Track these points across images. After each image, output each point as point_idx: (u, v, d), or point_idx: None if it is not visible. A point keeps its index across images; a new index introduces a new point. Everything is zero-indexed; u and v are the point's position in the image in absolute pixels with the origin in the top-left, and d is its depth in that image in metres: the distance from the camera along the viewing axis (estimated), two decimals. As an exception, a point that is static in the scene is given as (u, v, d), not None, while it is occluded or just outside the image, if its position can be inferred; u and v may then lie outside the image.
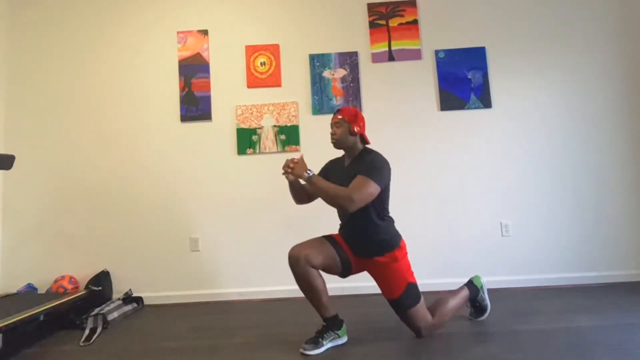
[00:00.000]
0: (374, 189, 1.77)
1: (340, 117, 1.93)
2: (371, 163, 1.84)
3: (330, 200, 1.76)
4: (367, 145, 1.99)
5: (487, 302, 2.12)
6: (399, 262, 1.88)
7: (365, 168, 1.82)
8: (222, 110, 3.06)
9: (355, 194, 1.73)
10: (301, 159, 1.88)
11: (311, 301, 1.86)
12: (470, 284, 2.10)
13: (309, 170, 1.83)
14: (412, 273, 1.92)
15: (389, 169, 1.87)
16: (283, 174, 1.91)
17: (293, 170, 1.85)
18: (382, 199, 1.88)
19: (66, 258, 2.94)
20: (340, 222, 2.02)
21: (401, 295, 1.86)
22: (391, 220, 1.95)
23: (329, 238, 1.95)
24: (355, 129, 1.91)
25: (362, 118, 1.96)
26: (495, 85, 3.03)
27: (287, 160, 1.88)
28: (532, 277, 2.86)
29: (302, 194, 2.03)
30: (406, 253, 1.93)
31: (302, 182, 1.97)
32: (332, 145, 1.97)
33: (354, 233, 1.92)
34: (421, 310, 1.87)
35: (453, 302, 1.97)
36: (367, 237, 1.89)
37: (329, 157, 2.16)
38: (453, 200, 2.96)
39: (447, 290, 2.80)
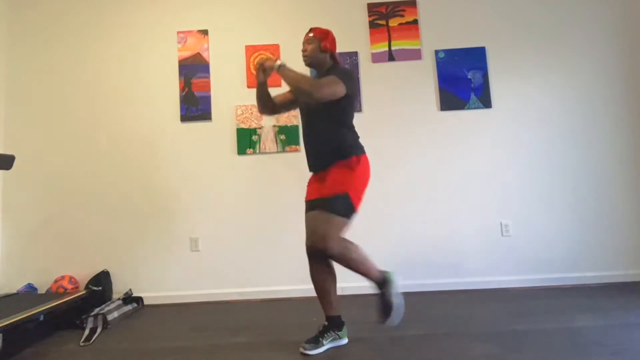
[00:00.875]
0: (340, 86, 1.78)
1: (311, 35, 1.96)
2: (340, 69, 1.88)
3: (298, 84, 1.74)
4: (337, 64, 2.00)
5: (395, 300, 1.79)
6: (352, 172, 1.79)
7: (334, 72, 1.85)
8: (222, 110, 3.06)
9: (323, 85, 1.74)
10: (275, 57, 1.90)
11: (320, 295, 1.87)
12: (382, 272, 1.86)
13: (279, 61, 1.85)
14: (358, 195, 1.78)
15: (355, 79, 1.88)
16: (257, 69, 1.90)
17: (266, 62, 1.85)
18: (344, 106, 1.86)
19: (66, 258, 2.94)
20: (303, 139, 1.98)
21: (332, 197, 1.74)
22: (353, 132, 1.91)
23: (310, 205, 1.89)
24: (327, 45, 1.93)
25: (333, 37, 1.98)
26: (495, 85, 3.03)
27: (261, 57, 1.89)
28: (532, 277, 2.86)
29: (267, 100, 2.01)
30: (365, 174, 1.82)
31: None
32: (304, 65, 1.98)
33: (313, 141, 1.91)
34: (336, 225, 1.71)
35: (366, 258, 1.78)
36: (326, 144, 1.86)
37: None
38: (453, 200, 2.95)
39: (447, 291, 2.82)
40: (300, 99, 1.94)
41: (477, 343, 1.82)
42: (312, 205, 1.87)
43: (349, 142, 1.87)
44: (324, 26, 3.06)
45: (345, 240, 1.76)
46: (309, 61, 1.96)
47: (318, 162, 1.91)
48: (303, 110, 1.99)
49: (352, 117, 1.93)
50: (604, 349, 1.68)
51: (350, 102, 1.89)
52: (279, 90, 3.04)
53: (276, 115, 3.00)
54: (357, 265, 1.76)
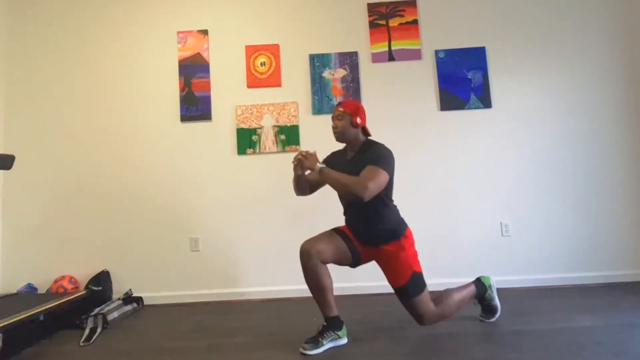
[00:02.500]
0: (385, 177, 1.80)
1: (341, 109, 1.94)
2: (378, 153, 1.87)
3: (345, 188, 1.77)
4: (369, 137, 2.01)
5: (497, 302, 2.10)
6: (406, 251, 1.90)
7: (373, 158, 1.84)
8: (222, 110, 3.06)
9: (370, 182, 1.74)
10: (314, 153, 1.89)
11: (316, 298, 1.88)
12: (478, 282, 2.10)
13: (320, 162, 1.87)
14: (418, 262, 1.93)
15: (393, 158, 1.90)
16: (295, 165, 1.91)
17: (305, 162, 1.86)
18: (387, 187, 1.89)
19: (66, 258, 2.94)
20: (344, 214, 2.02)
21: (407, 283, 1.88)
22: (395, 209, 1.97)
23: (337, 231, 1.97)
24: (357, 121, 1.92)
25: (363, 110, 1.98)
26: (495, 85, 3.03)
27: (299, 152, 1.89)
28: (532, 277, 2.86)
29: (305, 185, 2.03)
30: (413, 242, 1.96)
31: (309, 174, 2.00)
32: (333, 142, 2.00)
33: (360, 222, 1.94)
34: (425, 299, 1.89)
35: (458, 296, 1.98)
36: (373, 225, 1.91)
37: (329, 157, 2.15)
38: (453, 200, 2.95)
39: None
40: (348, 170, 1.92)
41: (477, 343, 1.82)
42: (397, 292, 1.94)
43: (396, 222, 1.94)
44: (324, 26, 3.10)
45: (438, 301, 1.94)
46: (341, 138, 1.96)
47: (367, 241, 1.95)
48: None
49: (392, 190, 1.96)
50: (604, 349, 1.67)
51: (391, 182, 1.90)
52: (279, 89, 3.06)
53: (275, 114, 3.00)
54: (458, 307, 1.99)
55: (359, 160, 1.88)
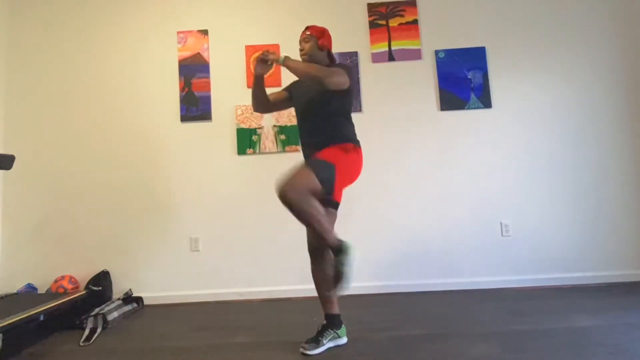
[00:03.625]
0: (346, 78, 1.82)
1: (308, 33, 1.97)
2: (342, 64, 1.92)
3: (309, 73, 1.77)
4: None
5: (348, 271, 1.71)
6: (347, 154, 1.81)
7: (337, 67, 1.87)
8: (222, 110, 3.06)
9: (333, 72, 1.76)
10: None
11: (320, 294, 1.89)
12: (341, 241, 1.78)
13: (283, 54, 1.87)
14: (343, 176, 1.79)
15: (353, 73, 1.93)
16: (258, 61, 1.87)
17: (269, 54, 1.84)
18: (344, 99, 1.90)
19: (66, 258, 2.94)
20: (300, 133, 1.98)
21: (317, 158, 1.77)
22: (351, 125, 1.95)
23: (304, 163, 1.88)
24: (323, 43, 1.96)
25: (329, 35, 2.00)
26: (495, 85, 3.03)
27: (263, 50, 1.88)
28: (532, 277, 2.86)
29: (263, 97, 2.02)
30: (356, 162, 1.85)
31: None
32: None
33: (312, 133, 1.91)
34: (307, 180, 1.67)
35: (323, 219, 1.71)
36: (322, 131, 1.88)
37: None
38: (453, 200, 2.95)
39: (447, 291, 2.81)
40: (310, 84, 1.90)
41: (477, 343, 1.82)
42: (327, 204, 1.84)
43: (348, 131, 1.91)
44: (324, 26, 3.09)
45: (310, 197, 1.67)
46: (307, 59, 1.97)
47: (312, 147, 1.88)
48: (300, 106, 1.99)
49: (350, 110, 1.96)
50: (604, 349, 1.68)
51: (349, 95, 1.92)
52: (279, 89, 3.05)
53: (275, 114, 3.01)
54: (314, 222, 1.68)
55: None
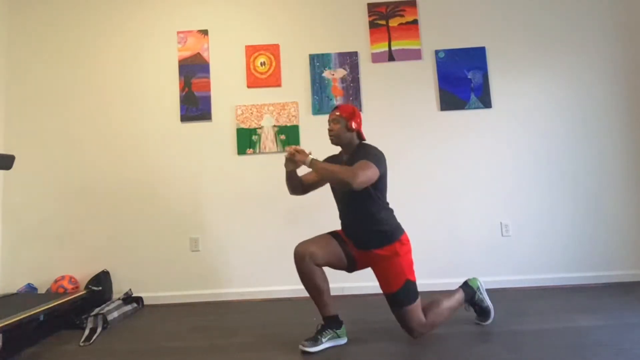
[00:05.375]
0: (374, 170, 1.80)
1: (338, 113, 1.97)
2: (369, 151, 1.89)
3: (334, 176, 1.77)
4: (363, 141, 2.02)
5: (488, 303, 2.06)
6: (400, 257, 1.88)
7: (364, 155, 1.86)
8: (222, 110, 3.06)
9: (359, 171, 1.75)
10: (301, 148, 1.91)
11: (313, 298, 1.88)
12: (466, 286, 2.07)
13: (310, 154, 1.89)
14: (412, 271, 1.91)
15: (385, 159, 1.91)
16: (286, 160, 1.92)
17: (296, 156, 1.87)
18: (380, 188, 1.90)
19: (66, 258, 2.94)
20: (340, 217, 2.03)
21: (398, 290, 1.85)
22: (391, 212, 1.96)
23: (333, 234, 1.98)
24: (352, 125, 1.94)
25: (359, 115, 1.99)
26: (495, 85, 3.03)
27: (289, 147, 1.92)
28: (532, 277, 2.86)
29: (297, 183, 2.04)
30: (409, 250, 1.93)
31: (305, 175, 2.06)
32: (330, 143, 2.00)
33: (354, 223, 1.94)
34: (416, 309, 1.86)
35: (447, 304, 1.95)
36: (366, 226, 1.90)
37: (329, 157, 2.16)
38: (453, 200, 2.96)
39: (445, 291, 2.81)
40: (338, 189, 1.96)
41: (477, 343, 1.82)
42: (388, 299, 1.91)
43: (391, 226, 1.92)
44: (324, 26, 3.11)
45: (428, 310, 1.90)
46: (336, 141, 1.98)
47: (361, 244, 1.93)
48: (337, 191, 2.00)
49: (386, 194, 1.96)
50: (605, 349, 1.68)
51: (383, 182, 1.91)
52: (279, 89, 3.06)
53: (275, 114, 3.00)
54: (448, 315, 1.95)
55: (352, 161, 1.89)
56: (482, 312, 2.07)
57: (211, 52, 3.11)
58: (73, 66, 3.11)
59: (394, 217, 1.96)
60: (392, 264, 1.88)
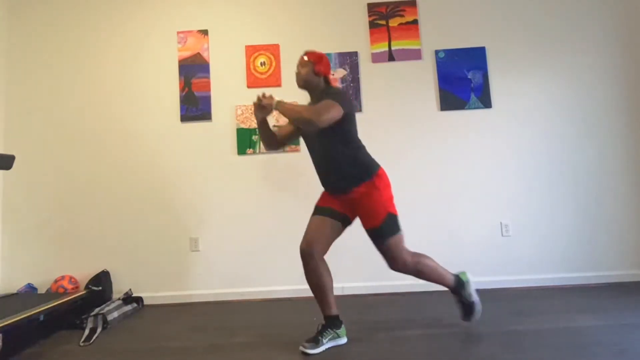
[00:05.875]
0: (337, 108, 1.80)
1: (305, 58, 1.98)
2: (332, 91, 1.91)
3: (299, 115, 1.78)
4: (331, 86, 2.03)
5: (475, 299, 2.00)
6: (380, 191, 1.88)
7: (328, 95, 1.87)
8: (222, 110, 3.06)
9: (321, 109, 1.77)
10: (268, 93, 1.94)
11: (317, 297, 1.89)
12: (456, 276, 2.02)
13: (276, 98, 1.90)
14: (393, 205, 1.91)
15: (349, 99, 1.91)
16: (254, 109, 1.93)
17: (262, 101, 1.88)
18: (347, 127, 1.89)
19: (66, 258, 2.94)
20: (317, 172, 2.02)
21: (381, 224, 1.86)
22: (363, 149, 1.95)
23: (320, 210, 1.96)
24: (320, 69, 1.95)
25: (327, 61, 2.00)
26: (495, 85, 3.03)
27: (257, 96, 1.92)
28: (532, 277, 2.86)
29: (271, 136, 2.04)
30: (388, 184, 1.93)
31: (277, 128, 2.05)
32: (297, 87, 2.02)
33: (329, 170, 1.93)
34: (400, 243, 1.88)
35: (437, 266, 1.96)
36: (341, 169, 1.89)
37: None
38: (453, 200, 2.96)
39: (446, 291, 2.81)
40: (303, 129, 1.96)
41: (477, 343, 1.82)
42: (371, 234, 1.90)
43: (364, 162, 1.91)
44: (324, 26, 3.11)
45: (416, 255, 1.93)
46: (302, 84, 1.98)
47: (338, 186, 1.93)
48: (308, 137, 2.00)
49: (356, 133, 1.96)
50: (604, 349, 1.68)
51: (350, 120, 1.91)
52: (279, 90, 3.06)
53: (275, 114, 3.01)
54: (430, 275, 1.94)
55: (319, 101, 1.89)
56: (467, 308, 2.01)
57: (211, 52, 3.11)
58: (73, 66, 3.11)
59: (367, 153, 1.95)
60: (373, 199, 1.87)
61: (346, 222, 1.98)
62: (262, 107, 1.90)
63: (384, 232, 1.86)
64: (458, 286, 1.99)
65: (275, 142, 2.06)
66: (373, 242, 1.92)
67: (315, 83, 1.97)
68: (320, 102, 1.83)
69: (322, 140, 1.91)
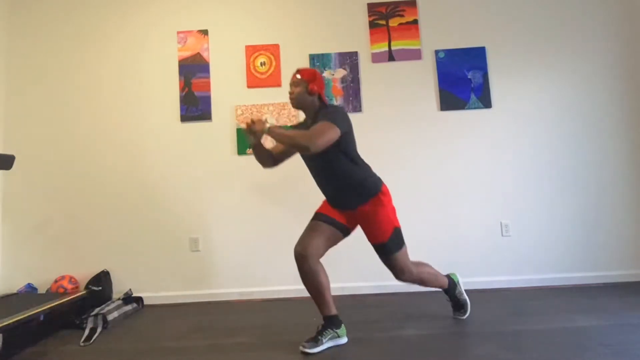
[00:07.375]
0: (334, 130, 1.76)
1: (298, 76, 1.94)
2: (328, 112, 1.85)
3: (291, 141, 1.73)
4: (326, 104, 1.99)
5: (465, 297, 2.18)
6: (385, 207, 1.90)
7: (324, 116, 1.82)
8: (222, 110, 3.06)
9: (316, 133, 1.72)
10: (258, 118, 1.91)
11: (314, 298, 1.88)
12: (449, 278, 2.18)
13: (267, 123, 1.86)
14: (397, 218, 1.96)
15: (347, 115, 1.88)
16: (247, 134, 1.87)
17: (253, 126, 1.83)
18: (348, 144, 1.87)
19: (66, 258, 2.94)
20: (320, 189, 2.01)
21: (389, 239, 1.90)
22: (366, 166, 1.94)
23: (320, 217, 1.96)
24: (313, 88, 1.91)
25: (321, 78, 1.96)
26: (495, 85, 3.03)
27: (246, 122, 1.87)
28: (532, 277, 2.86)
29: (266, 155, 2.00)
30: (390, 199, 1.95)
31: (274, 147, 2.06)
32: (292, 107, 2.03)
33: (331, 187, 1.93)
34: (405, 255, 1.95)
35: (436, 273, 2.07)
36: (345, 188, 1.89)
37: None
38: (453, 200, 2.95)
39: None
40: (306, 157, 1.96)
41: (477, 343, 1.82)
42: (378, 248, 1.93)
43: (368, 180, 1.90)
44: (324, 26, 3.11)
45: (417, 264, 2.02)
46: (296, 104, 1.95)
47: (343, 203, 1.93)
48: (308, 160, 1.98)
49: (355, 150, 1.94)
50: (604, 349, 1.68)
51: (349, 139, 1.88)
52: (279, 90, 3.06)
53: (275, 114, 3.00)
54: (432, 282, 2.05)
55: (314, 124, 1.85)
56: (459, 306, 2.18)
57: (211, 52, 3.11)
58: (73, 66, 3.11)
59: (370, 170, 1.95)
60: (379, 215, 1.89)
61: (346, 232, 1.98)
62: (253, 133, 1.84)
63: (391, 248, 1.90)
64: (451, 287, 2.15)
65: (271, 160, 2.02)
66: (380, 257, 1.94)
67: (309, 102, 1.93)
68: (315, 125, 1.78)
69: (322, 160, 1.88)
